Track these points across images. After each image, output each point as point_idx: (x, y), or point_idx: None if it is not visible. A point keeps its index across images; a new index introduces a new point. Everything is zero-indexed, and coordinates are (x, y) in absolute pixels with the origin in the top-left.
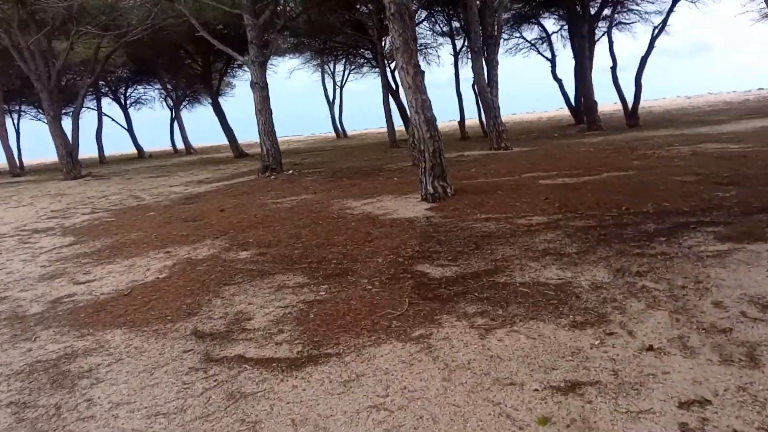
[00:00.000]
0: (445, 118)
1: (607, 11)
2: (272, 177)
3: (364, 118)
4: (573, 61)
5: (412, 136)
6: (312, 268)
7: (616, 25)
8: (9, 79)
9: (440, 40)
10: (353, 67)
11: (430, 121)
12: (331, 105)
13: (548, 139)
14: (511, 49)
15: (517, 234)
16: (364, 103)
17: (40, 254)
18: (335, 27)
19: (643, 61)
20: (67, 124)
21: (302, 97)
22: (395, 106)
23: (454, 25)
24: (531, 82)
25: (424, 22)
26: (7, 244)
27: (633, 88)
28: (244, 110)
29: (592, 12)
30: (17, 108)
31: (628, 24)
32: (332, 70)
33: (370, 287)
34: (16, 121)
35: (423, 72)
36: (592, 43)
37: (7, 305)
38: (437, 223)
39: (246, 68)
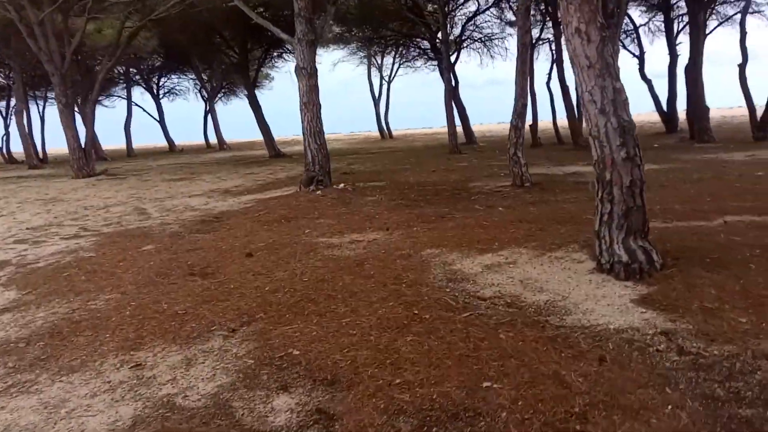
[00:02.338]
0: (492, 119)
1: None
2: (319, 192)
3: (405, 117)
4: (668, 58)
5: (514, 144)
6: None
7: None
8: (32, 62)
9: (508, 30)
10: (404, 60)
11: (628, 129)
12: (376, 102)
13: (652, 150)
14: None
15: None
16: (404, 101)
17: None
18: (391, 11)
19: None
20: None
21: (340, 93)
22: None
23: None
24: None
25: (491, 9)
26: None
27: (742, 94)
28: (281, 105)
29: None
30: (44, 94)
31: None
32: (380, 63)
33: None
34: (41, 109)
35: (613, 38)
36: (703, 34)
37: None
38: (708, 363)
39: (288, 56)
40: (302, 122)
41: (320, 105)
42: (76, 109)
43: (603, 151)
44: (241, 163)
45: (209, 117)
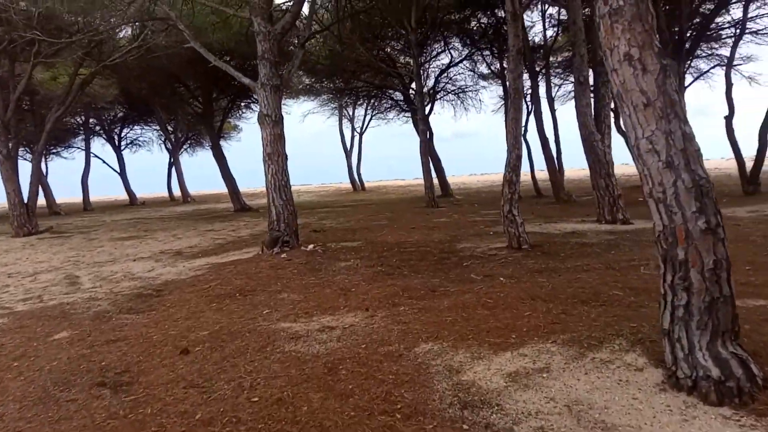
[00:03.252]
0: (462, 171)
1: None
2: (284, 256)
3: (377, 169)
4: None
5: (508, 201)
6: None
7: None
8: None
9: (481, 83)
10: (376, 111)
11: (706, 190)
12: (348, 153)
13: (643, 206)
14: (562, 97)
15: None
16: (376, 153)
17: None
18: (363, 62)
19: None
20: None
21: (311, 144)
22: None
23: (501, 64)
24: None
25: (464, 62)
26: None
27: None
28: (249, 156)
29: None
30: None
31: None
32: (351, 114)
33: None
34: None
35: (673, 67)
36: (682, 87)
37: None
38: None
39: (256, 106)
40: (266, 175)
41: (286, 156)
42: (29, 160)
43: (672, 219)
44: (202, 218)
45: (173, 169)
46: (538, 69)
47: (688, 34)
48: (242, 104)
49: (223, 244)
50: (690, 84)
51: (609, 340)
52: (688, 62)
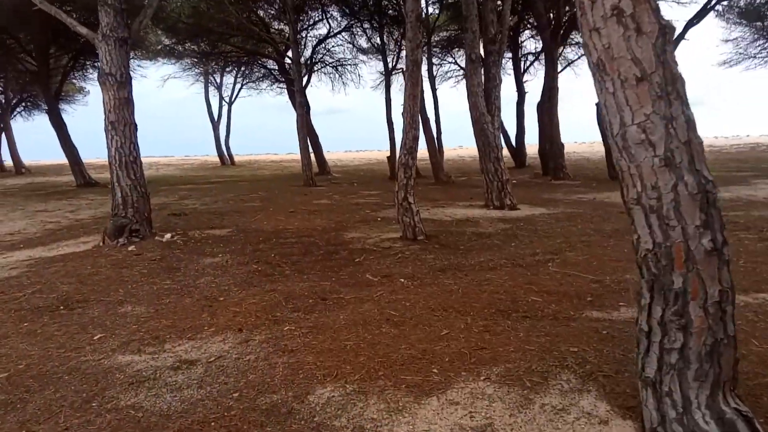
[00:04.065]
0: (336, 148)
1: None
2: (132, 248)
3: (247, 142)
4: (515, 95)
5: (403, 187)
6: None
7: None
8: None
9: (360, 57)
10: (246, 80)
11: (712, 198)
12: (215, 124)
13: (518, 189)
14: (439, 77)
15: None
16: (246, 124)
17: None
18: (232, 23)
19: None
20: None
21: (171, 112)
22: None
23: (382, 39)
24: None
25: (343, 34)
26: None
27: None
28: (99, 123)
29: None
30: None
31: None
32: (219, 81)
33: None
34: None
35: (673, 30)
36: (555, 71)
37: None
38: None
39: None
40: (108, 148)
41: (136, 125)
42: None
43: (668, 235)
44: (35, 195)
45: (3, 135)
46: None
47: (565, 20)
48: (88, 63)
49: (55, 230)
50: (563, 69)
51: (553, 374)
52: (563, 47)
